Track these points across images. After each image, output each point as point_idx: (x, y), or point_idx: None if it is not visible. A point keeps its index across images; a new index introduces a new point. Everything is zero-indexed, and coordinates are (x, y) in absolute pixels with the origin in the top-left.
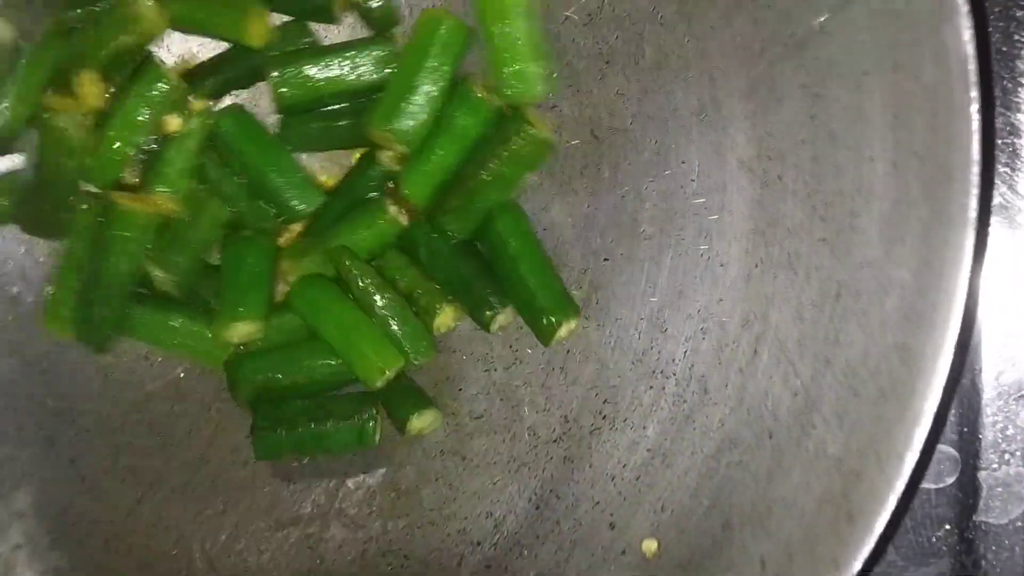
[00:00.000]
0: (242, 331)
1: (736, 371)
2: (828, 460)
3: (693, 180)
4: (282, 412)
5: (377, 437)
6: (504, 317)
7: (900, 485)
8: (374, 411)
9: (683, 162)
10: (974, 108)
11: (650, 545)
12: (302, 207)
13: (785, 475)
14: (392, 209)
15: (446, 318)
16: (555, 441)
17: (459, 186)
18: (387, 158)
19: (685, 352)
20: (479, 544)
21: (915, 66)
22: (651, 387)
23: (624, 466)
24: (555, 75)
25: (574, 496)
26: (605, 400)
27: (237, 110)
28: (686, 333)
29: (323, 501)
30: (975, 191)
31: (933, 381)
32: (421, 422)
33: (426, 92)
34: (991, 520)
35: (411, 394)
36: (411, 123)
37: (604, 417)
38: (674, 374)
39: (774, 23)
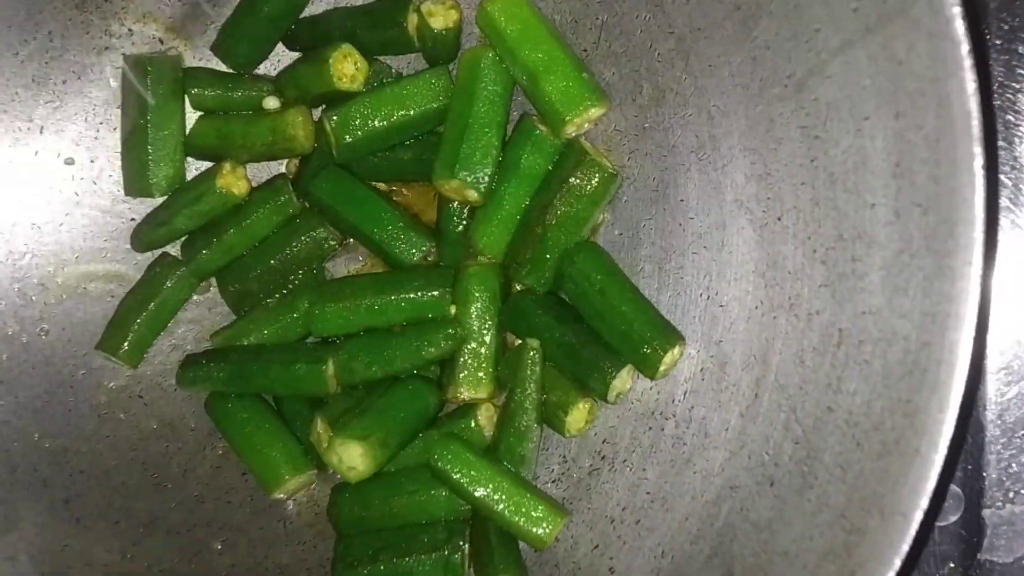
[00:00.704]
0: (358, 467)
1: (737, 415)
2: (830, 513)
3: (692, 218)
4: (365, 547)
5: (465, 569)
6: (621, 381)
7: (905, 546)
8: (460, 542)
9: (681, 200)
10: (978, 164)
11: None
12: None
13: (787, 526)
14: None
15: (580, 414)
16: (553, 482)
17: (529, 234)
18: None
19: (684, 393)
20: None
21: (917, 116)
22: (650, 427)
23: (624, 509)
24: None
25: (572, 539)
26: (604, 440)
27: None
28: (685, 374)
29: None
30: (979, 248)
31: (938, 441)
32: None
33: (485, 135)
34: (996, 559)
35: (512, 554)
36: (479, 168)
37: (603, 457)
38: (673, 415)
39: (773, 63)
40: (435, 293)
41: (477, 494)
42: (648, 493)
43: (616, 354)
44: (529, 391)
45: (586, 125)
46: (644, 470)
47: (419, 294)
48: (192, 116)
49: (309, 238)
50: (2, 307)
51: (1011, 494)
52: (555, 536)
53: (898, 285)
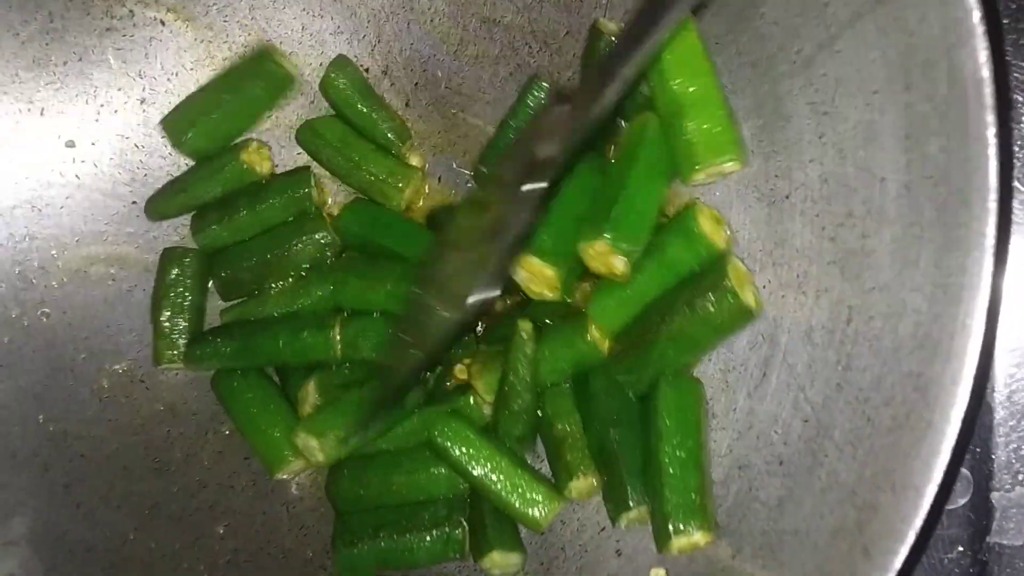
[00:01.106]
0: (318, 457)
1: (744, 395)
2: (841, 490)
3: (699, 197)
4: (364, 524)
5: (467, 545)
6: (636, 515)
7: (918, 521)
8: (461, 518)
9: None
10: (991, 132)
11: (658, 573)
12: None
13: (797, 504)
14: (595, 333)
15: (584, 485)
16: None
17: (642, 333)
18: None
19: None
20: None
21: (928, 87)
22: None
23: None
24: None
25: (579, 521)
26: None
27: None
28: None
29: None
30: (993, 218)
31: (951, 413)
32: (504, 559)
33: (643, 201)
34: (1005, 542)
35: (508, 529)
36: (632, 233)
37: None
38: None
39: (780, 39)
40: None
41: (476, 472)
42: None
43: (639, 494)
44: (522, 373)
45: (715, 176)
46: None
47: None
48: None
49: (310, 239)
50: (2, 290)
51: (1020, 476)
52: (552, 519)
53: (908, 258)
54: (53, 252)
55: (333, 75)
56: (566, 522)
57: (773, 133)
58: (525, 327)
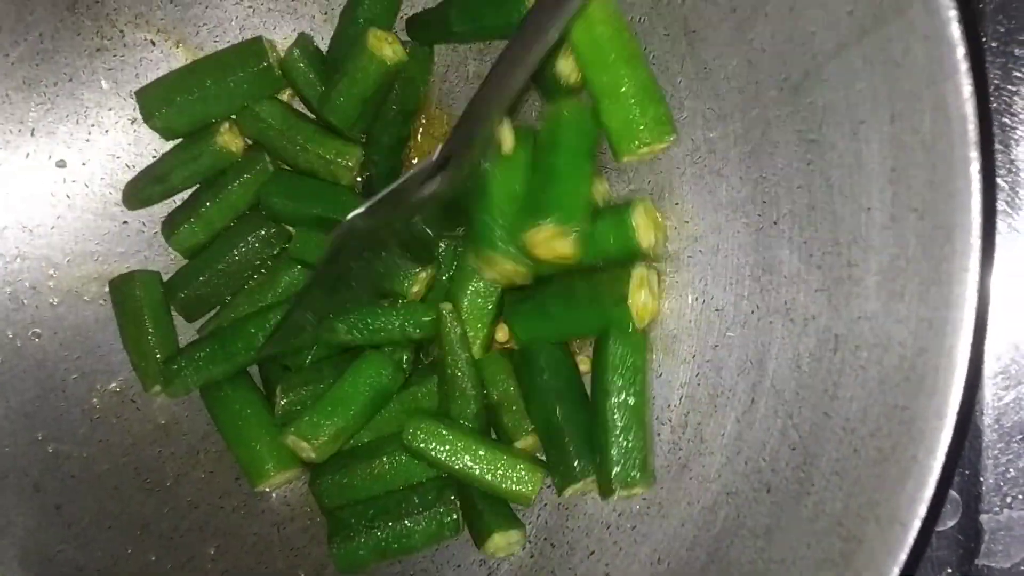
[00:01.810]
0: (311, 456)
1: (733, 420)
2: (827, 520)
3: (687, 222)
4: (357, 517)
5: (461, 523)
6: (581, 485)
7: (903, 555)
8: (451, 496)
9: (676, 203)
10: (975, 168)
11: None
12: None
13: (784, 533)
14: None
15: (527, 444)
16: (548, 486)
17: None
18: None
19: (680, 398)
20: None
21: (913, 119)
22: None
23: (619, 514)
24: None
25: (568, 544)
26: None
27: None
28: (680, 379)
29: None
30: (976, 254)
31: (936, 448)
32: (505, 540)
33: (576, 182)
34: (993, 564)
35: (501, 509)
36: (577, 216)
37: None
38: (669, 420)
39: (769, 66)
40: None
41: (456, 466)
42: (644, 499)
43: (584, 465)
44: (458, 353)
45: (647, 156)
46: (633, 495)
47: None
48: None
49: (256, 237)
50: None
51: (1008, 499)
52: (538, 489)
53: (894, 290)
54: (44, 273)
55: (295, 52)
56: (556, 545)
57: (761, 159)
58: (446, 307)
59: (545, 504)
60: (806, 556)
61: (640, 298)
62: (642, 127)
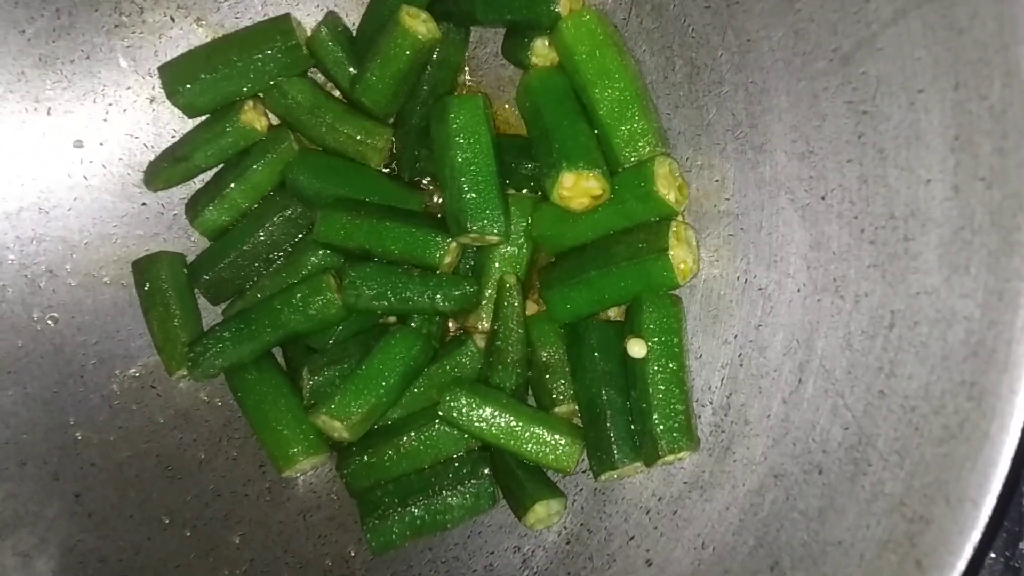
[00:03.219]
0: (343, 435)
1: (779, 401)
2: (888, 500)
3: (727, 199)
4: (390, 496)
5: (497, 495)
6: (619, 473)
7: (976, 534)
8: (485, 469)
9: (717, 180)
10: None
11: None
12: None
13: (839, 514)
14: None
15: (566, 411)
16: (584, 471)
17: (577, 265)
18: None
19: (722, 379)
20: None
21: (980, 86)
22: None
23: (659, 499)
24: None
25: (607, 530)
26: None
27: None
28: (722, 360)
29: (333, 531)
30: None
31: (1009, 423)
32: (547, 510)
33: (580, 134)
34: None
35: (542, 479)
36: (593, 158)
37: None
38: (710, 402)
39: (817, 36)
40: (432, 236)
41: (496, 435)
42: (685, 483)
43: (625, 454)
44: (512, 325)
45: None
46: (681, 458)
47: (418, 231)
48: None
49: (281, 218)
50: (9, 295)
51: None
52: (579, 456)
53: (957, 263)
54: (62, 255)
55: (324, 30)
56: (592, 531)
57: (807, 133)
58: (509, 279)
59: (581, 489)
60: (866, 538)
61: (680, 252)
62: (641, 141)
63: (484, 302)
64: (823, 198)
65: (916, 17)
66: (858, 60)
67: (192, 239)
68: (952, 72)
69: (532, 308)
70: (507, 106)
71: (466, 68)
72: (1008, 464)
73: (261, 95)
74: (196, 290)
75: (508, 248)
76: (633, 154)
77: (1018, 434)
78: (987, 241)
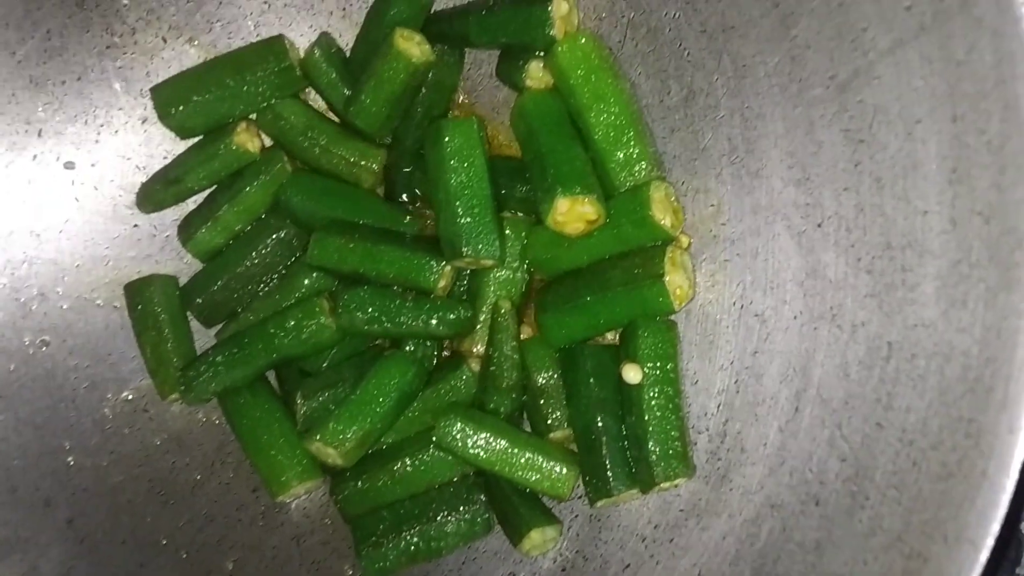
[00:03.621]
0: (338, 461)
1: (776, 429)
2: (885, 536)
3: (723, 224)
4: (384, 523)
5: (492, 521)
6: (615, 499)
7: (974, 575)
8: (479, 496)
9: (712, 205)
10: None
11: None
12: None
13: (836, 548)
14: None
15: (561, 436)
16: (580, 497)
17: (573, 289)
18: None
19: (718, 406)
20: None
21: (979, 119)
22: None
23: (656, 527)
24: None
25: (602, 558)
26: None
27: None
28: (718, 386)
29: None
30: None
31: (1009, 464)
32: (542, 536)
33: (574, 159)
34: None
35: (537, 505)
36: (587, 183)
37: None
38: (707, 429)
39: (813, 63)
40: (426, 260)
41: (491, 461)
42: (682, 510)
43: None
44: (507, 351)
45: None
46: (677, 484)
47: (412, 254)
48: None
49: (275, 240)
50: (0, 318)
51: None
52: (575, 483)
53: (955, 297)
54: (53, 278)
55: (317, 52)
56: (588, 558)
57: (804, 159)
58: (504, 304)
59: (577, 515)
60: (864, 573)
61: (676, 278)
62: (637, 167)
63: (479, 326)
64: (820, 225)
65: (914, 48)
66: (855, 88)
67: (185, 261)
68: (950, 104)
69: (527, 332)
70: (502, 127)
71: (461, 89)
72: (1007, 505)
73: (254, 116)
74: (189, 313)
75: (503, 271)
76: (629, 179)
77: (1017, 475)
78: (985, 276)
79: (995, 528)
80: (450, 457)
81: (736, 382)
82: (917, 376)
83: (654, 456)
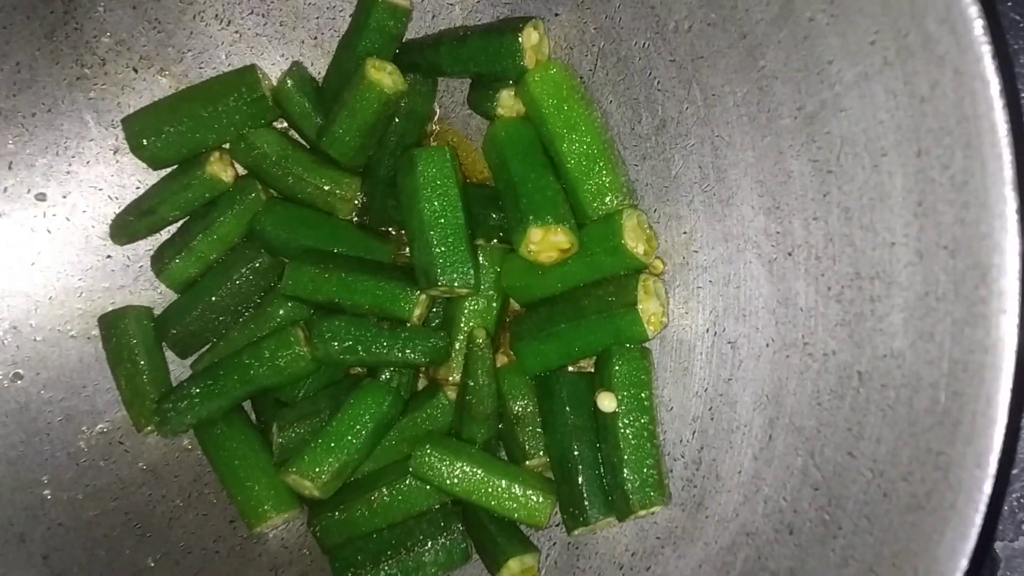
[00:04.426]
0: (315, 493)
1: (750, 457)
2: (858, 566)
3: (696, 252)
4: (362, 553)
5: (470, 550)
6: (591, 528)
7: None
8: (457, 524)
9: (684, 232)
10: (1012, 208)
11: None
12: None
13: None
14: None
15: (537, 463)
16: (558, 525)
17: (548, 317)
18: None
19: (693, 433)
20: None
21: (942, 155)
22: None
23: (633, 554)
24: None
25: (603, 557)
26: None
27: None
28: (693, 412)
29: None
30: (1016, 297)
31: (977, 499)
32: (520, 565)
33: (546, 188)
34: None
35: (515, 533)
36: (560, 212)
37: None
38: (682, 455)
39: (781, 94)
40: (401, 289)
41: (467, 490)
42: (658, 538)
43: (597, 510)
44: (483, 379)
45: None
46: (653, 512)
47: (387, 284)
48: None
49: (249, 270)
50: None
51: (1023, 527)
52: (551, 512)
53: (923, 329)
54: (25, 310)
55: (289, 82)
56: (583, 568)
57: (774, 188)
58: (479, 334)
59: (555, 543)
60: None
61: (650, 305)
62: (608, 194)
63: (454, 354)
64: (790, 254)
65: (878, 82)
66: (822, 119)
67: (159, 292)
68: (915, 139)
69: (502, 360)
70: (477, 153)
71: (434, 117)
72: (976, 539)
73: (227, 146)
74: (164, 344)
75: (478, 299)
76: (601, 207)
77: (985, 509)
78: (951, 310)
79: (964, 563)
80: (427, 486)
81: (710, 409)
82: (887, 406)
83: (629, 484)
